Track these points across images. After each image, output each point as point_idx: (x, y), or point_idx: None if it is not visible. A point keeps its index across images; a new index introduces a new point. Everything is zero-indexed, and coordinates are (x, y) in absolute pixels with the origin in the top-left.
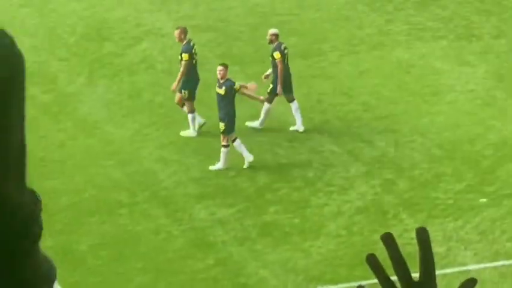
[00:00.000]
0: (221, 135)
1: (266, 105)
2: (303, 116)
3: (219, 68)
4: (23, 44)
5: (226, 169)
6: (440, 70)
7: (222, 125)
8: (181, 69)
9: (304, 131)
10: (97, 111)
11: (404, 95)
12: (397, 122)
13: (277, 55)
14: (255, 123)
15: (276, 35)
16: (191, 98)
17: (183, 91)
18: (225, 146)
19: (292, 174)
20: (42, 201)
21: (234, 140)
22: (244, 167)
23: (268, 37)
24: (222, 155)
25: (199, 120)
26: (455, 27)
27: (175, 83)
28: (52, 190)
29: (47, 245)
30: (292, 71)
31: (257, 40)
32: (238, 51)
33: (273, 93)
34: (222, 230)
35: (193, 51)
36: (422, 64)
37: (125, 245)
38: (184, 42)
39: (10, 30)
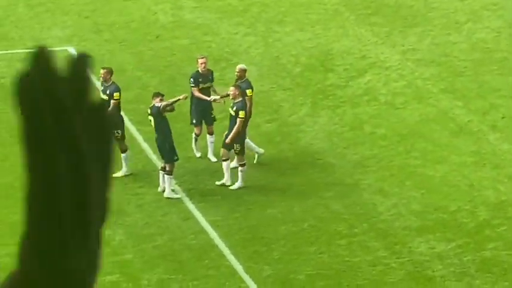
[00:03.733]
0: (236, 155)
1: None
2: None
3: (231, 88)
4: (249, 73)
5: (447, 204)
6: None
7: (237, 146)
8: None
9: None
10: (319, 142)
11: None
12: None
13: (249, 92)
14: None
15: (245, 71)
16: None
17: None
18: (242, 165)
19: None
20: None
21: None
22: (234, 188)
23: (237, 73)
24: (240, 174)
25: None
26: None
27: None
28: (272, 218)
29: (265, 273)
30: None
31: (481, 76)
32: (461, 86)
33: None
34: (441, 265)
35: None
36: None
37: (342, 276)
38: (110, 82)
39: (235, 59)
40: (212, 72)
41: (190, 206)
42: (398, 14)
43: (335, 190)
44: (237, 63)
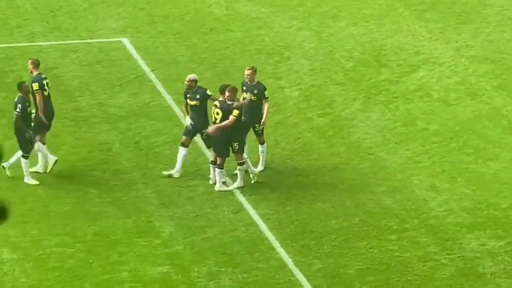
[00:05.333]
0: (234, 154)
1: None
2: None
3: (228, 94)
4: (302, 67)
5: (498, 201)
6: None
7: (235, 145)
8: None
9: None
10: (371, 137)
11: None
12: None
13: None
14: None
15: (196, 81)
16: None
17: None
18: (240, 164)
19: None
20: None
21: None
22: (253, 182)
23: (187, 82)
24: (239, 173)
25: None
26: None
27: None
28: (322, 212)
29: (315, 267)
30: None
31: None
32: None
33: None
34: (492, 262)
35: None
36: None
37: (392, 271)
38: (35, 73)
39: (288, 53)
40: (261, 85)
41: (241, 199)
42: (452, 11)
43: (386, 185)
44: (290, 57)
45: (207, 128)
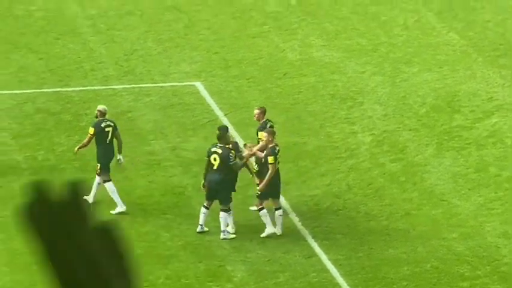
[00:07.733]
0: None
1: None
2: None
3: (264, 134)
4: (375, 112)
5: None
6: None
7: (258, 190)
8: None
9: None
10: (443, 183)
11: None
12: None
13: (91, 130)
14: None
15: (101, 112)
16: None
17: None
18: (259, 209)
19: None
20: None
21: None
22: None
23: (96, 111)
24: (264, 219)
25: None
26: None
27: None
28: (394, 259)
29: None
30: None
31: None
32: None
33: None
34: None
35: None
36: None
37: None
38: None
39: (361, 98)
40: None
41: (313, 244)
42: None
43: (459, 232)
44: (363, 103)
45: (102, 159)
